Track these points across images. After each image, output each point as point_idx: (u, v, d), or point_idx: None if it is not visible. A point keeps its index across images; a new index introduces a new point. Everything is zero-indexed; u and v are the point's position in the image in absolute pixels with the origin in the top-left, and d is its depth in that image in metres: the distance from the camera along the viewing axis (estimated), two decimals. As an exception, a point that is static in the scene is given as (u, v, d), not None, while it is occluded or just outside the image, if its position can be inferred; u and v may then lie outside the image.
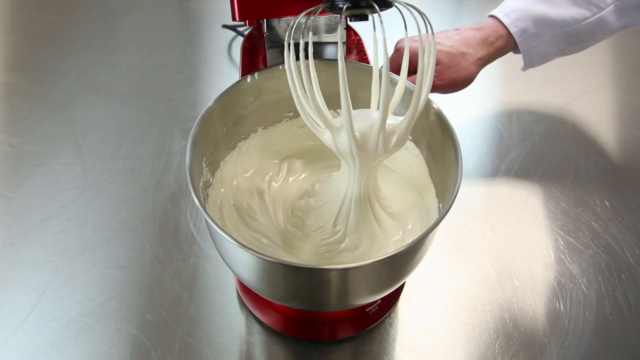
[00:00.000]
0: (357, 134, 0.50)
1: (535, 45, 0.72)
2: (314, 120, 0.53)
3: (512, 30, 0.71)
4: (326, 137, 0.53)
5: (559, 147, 0.84)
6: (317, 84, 0.52)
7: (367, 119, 0.52)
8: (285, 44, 0.51)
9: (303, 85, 0.50)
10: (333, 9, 0.49)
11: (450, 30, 0.72)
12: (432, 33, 0.50)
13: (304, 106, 0.52)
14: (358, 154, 0.51)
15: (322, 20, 0.66)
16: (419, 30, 0.49)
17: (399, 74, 0.56)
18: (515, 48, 0.73)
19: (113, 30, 1.07)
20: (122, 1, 1.12)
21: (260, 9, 0.60)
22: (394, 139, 0.51)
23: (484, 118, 0.89)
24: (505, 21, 0.71)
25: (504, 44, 0.72)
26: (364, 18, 0.50)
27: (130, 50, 1.01)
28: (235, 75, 0.92)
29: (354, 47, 0.75)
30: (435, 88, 0.70)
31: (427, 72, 0.50)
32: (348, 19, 0.52)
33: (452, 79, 0.70)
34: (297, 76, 0.51)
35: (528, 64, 0.75)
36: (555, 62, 0.76)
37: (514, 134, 0.86)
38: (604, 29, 0.73)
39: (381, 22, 0.46)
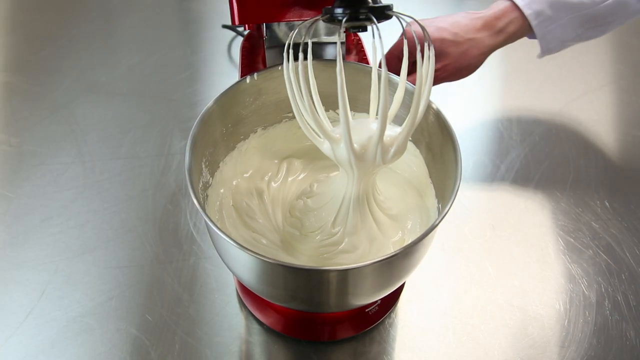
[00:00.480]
0: (355, 145, 0.51)
1: (552, 29, 0.69)
2: (313, 131, 0.53)
3: (527, 12, 0.68)
4: (325, 147, 0.53)
5: (559, 148, 0.84)
6: (318, 96, 0.53)
7: (365, 130, 0.52)
8: (285, 54, 0.51)
9: (302, 96, 0.51)
10: (332, 21, 0.50)
11: (459, 14, 0.70)
12: (430, 44, 0.50)
13: (303, 117, 0.53)
14: (356, 164, 0.52)
15: (322, 24, 0.66)
16: (417, 43, 0.49)
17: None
18: (529, 33, 0.70)
19: (113, 30, 1.07)
20: (122, 1, 1.12)
21: (260, 14, 0.60)
22: (392, 150, 0.51)
23: (484, 118, 0.89)
24: (519, 3, 0.68)
25: (516, 29, 0.69)
26: (363, 29, 0.50)
27: (130, 50, 1.01)
28: (235, 75, 0.92)
29: (354, 47, 0.75)
30: (439, 80, 0.68)
31: (425, 84, 0.50)
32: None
33: (456, 68, 0.68)
34: (297, 89, 0.51)
35: (545, 51, 0.72)
36: (555, 62, 0.76)
37: (514, 135, 0.86)
38: (625, 10, 0.69)
39: (380, 36, 0.46)
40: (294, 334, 0.62)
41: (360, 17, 0.48)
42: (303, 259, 0.58)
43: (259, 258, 0.45)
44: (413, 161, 0.63)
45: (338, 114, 0.63)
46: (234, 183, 0.64)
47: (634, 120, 0.89)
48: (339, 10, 0.49)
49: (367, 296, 0.53)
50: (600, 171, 0.80)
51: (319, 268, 0.48)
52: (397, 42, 0.70)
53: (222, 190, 0.62)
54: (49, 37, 1.03)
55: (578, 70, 0.97)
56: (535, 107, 0.91)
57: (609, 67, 0.98)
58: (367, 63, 0.72)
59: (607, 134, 0.86)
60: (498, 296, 0.66)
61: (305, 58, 0.50)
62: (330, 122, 0.55)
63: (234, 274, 0.58)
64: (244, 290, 0.64)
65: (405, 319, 0.64)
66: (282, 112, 0.65)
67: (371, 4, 0.49)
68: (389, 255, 0.45)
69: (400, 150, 0.52)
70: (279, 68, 0.60)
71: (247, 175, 0.65)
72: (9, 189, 0.77)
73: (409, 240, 0.56)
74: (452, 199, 0.49)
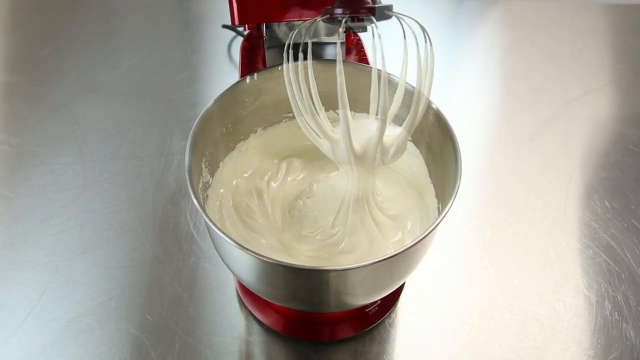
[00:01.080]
0: (355, 146, 0.51)
1: None
2: (313, 131, 0.53)
3: None
4: (325, 147, 0.53)
5: (559, 147, 0.84)
6: (317, 96, 0.53)
7: (365, 130, 0.52)
8: (285, 54, 0.51)
9: (302, 96, 0.51)
10: (332, 21, 0.50)
11: None
12: (431, 44, 0.50)
13: (303, 117, 0.53)
14: (356, 165, 0.52)
15: (322, 24, 0.66)
16: (417, 43, 0.49)
17: None
18: None
19: (113, 30, 1.07)
20: (122, 1, 1.12)
21: (260, 14, 0.60)
22: (392, 151, 0.51)
23: (484, 118, 0.89)
24: None
25: None
26: (363, 29, 0.50)
27: (130, 50, 1.01)
28: (235, 76, 0.92)
29: (354, 47, 0.75)
30: None
31: (424, 84, 0.50)
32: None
33: None
34: (297, 89, 0.51)
35: None
36: (555, 62, 0.76)
37: (514, 134, 0.86)
38: None
39: (380, 36, 0.46)
40: (294, 334, 0.62)
41: (360, 17, 0.48)
42: (303, 259, 0.58)
43: (258, 258, 0.45)
44: (413, 161, 0.63)
45: (338, 114, 0.63)
46: (234, 183, 0.64)
47: (634, 120, 0.89)
48: (338, 11, 0.49)
49: (367, 296, 0.53)
50: (600, 171, 0.80)
51: (319, 268, 0.48)
52: None
53: (222, 191, 0.62)
54: (49, 37, 1.03)
55: (578, 70, 0.97)
56: (535, 107, 0.91)
57: (609, 67, 0.98)
58: (367, 63, 0.72)
59: (607, 134, 0.86)
60: (498, 296, 0.66)
61: (305, 58, 0.50)
62: (330, 122, 0.55)
63: (234, 274, 0.58)
64: (244, 290, 0.64)
65: (405, 319, 0.64)
66: (282, 112, 0.65)
67: (371, 4, 0.49)
68: (388, 256, 0.45)
69: (400, 151, 0.52)
70: (279, 68, 0.60)
71: (247, 175, 0.65)
72: (9, 189, 0.77)
73: (409, 241, 0.56)
74: (452, 199, 0.49)
